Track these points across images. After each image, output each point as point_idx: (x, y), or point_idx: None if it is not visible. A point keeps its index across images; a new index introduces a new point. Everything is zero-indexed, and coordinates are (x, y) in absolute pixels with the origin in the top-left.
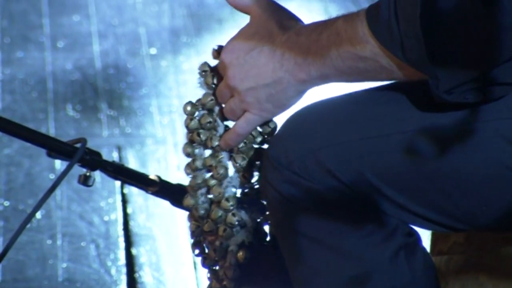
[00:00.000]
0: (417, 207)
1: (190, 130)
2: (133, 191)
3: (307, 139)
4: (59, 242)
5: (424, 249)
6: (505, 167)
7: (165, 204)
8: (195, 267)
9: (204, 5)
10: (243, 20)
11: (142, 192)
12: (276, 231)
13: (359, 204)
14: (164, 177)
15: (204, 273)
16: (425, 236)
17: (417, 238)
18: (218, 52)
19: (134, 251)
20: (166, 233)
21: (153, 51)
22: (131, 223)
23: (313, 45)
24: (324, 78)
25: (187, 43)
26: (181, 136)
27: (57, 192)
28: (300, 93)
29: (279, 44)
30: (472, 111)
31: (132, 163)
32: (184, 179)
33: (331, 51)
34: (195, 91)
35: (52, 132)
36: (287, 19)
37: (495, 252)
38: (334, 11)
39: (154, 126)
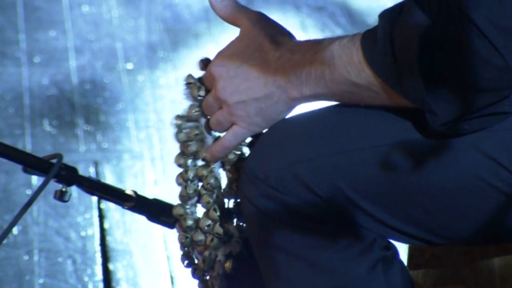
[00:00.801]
0: (394, 221)
1: (180, 142)
2: (110, 206)
3: (283, 153)
4: (36, 258)
5: (401, 262)
6: (481, 180)
7: (142, 219)
8: (172, 282)
9: (180, 20)
10: (220, 34)
11: (119, 207)
12: (253, 244)
13: (336, 218)
14: (141, 192)
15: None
16: (402, 250)
17: (394, 252)
18: (205, 63)
19: (111, 266)
20: (143, 248)
21: (129, 66)
22: (108, 239)
23: (308, 65)
24: (316, 97)
25: (164, 58)
26: (158, 151)
27: (34, 207)
28: (290, 109)
29: (272, 59)
30: None
31: (109, 178)
32: (160, 194)
33: (325, 73)
34: (172, 106)
35: (28, 148)
36: (279, 34)
37: (471, 266)
38: (311, 26)
39: (131, 141)
